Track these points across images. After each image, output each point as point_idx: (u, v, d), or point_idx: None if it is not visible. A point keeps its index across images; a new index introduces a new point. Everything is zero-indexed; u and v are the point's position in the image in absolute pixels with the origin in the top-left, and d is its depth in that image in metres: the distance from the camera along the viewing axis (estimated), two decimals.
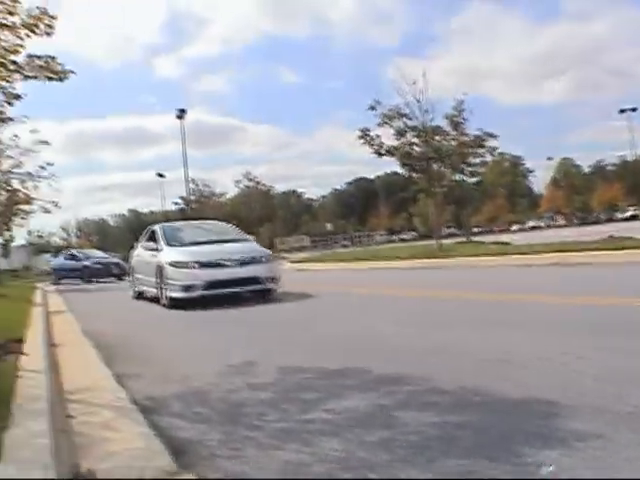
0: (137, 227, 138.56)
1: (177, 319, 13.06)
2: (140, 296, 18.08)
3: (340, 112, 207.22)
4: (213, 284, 14.24)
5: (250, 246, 16.27)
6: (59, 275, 41.73)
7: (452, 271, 20.91)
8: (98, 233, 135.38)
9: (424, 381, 5.25)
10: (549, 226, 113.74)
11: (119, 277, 37.90)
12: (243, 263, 14.71)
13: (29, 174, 31.56)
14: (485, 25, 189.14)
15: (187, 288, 14.22)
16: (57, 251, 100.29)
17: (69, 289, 31.44)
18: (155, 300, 15.67)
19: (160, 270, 15.15)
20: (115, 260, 41.86)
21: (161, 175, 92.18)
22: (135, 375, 6.49)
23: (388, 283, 18.24)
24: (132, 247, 19.55)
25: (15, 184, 32.01)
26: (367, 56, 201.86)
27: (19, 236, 74.96)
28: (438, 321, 9.03)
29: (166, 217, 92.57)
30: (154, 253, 16.12)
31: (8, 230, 39.15)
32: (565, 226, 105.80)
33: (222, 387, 5.65)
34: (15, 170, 31.21)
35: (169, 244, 15.91)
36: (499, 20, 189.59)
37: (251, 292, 14.86)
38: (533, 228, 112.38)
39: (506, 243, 35.62)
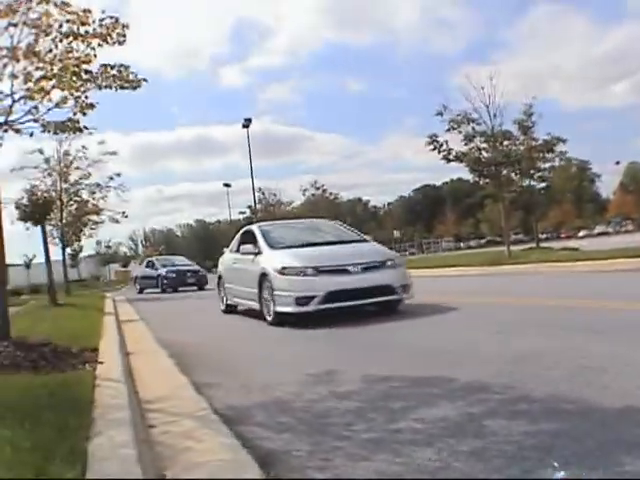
0: (204, 236, 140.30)
1: (273, 335, 11.29)
2: (232, 310, 15.75)
3: (405, 120, 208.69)
4: (335, 295, 11.44)
5: (373, 247, 13.38)
6: (141, 284, 40.46)
7: (526, 277, 20.51)
8: (165, 243, 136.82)
9: (512, 389, 5.10)
10: (617, 232, 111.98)
11: (198, 287, 35.52)
12: (369, 268, 11.86)
13: (97, 185, 32.09)
14: (550, 28, 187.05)
15: (301, 300, 11.43)
16: (126, 261, 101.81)
17: (139, 298, 31.57)
18: (253, 314, 13.55)
19: (263, 278, 12.48)
20: (192, 268, 38.66)
21: (227, 185, 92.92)
22: (214, 384, 6.39)
23: (480, 290, 17.75)
24: (222, 253, 17.79)
25: (84, 195, 32.52)
26: (432, 63, 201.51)
27: (88, 246, 76.15)
28: (523, 328, 8.74)
29: (233, 226, 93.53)
30: (253, 258, 13.37)
31: (78, 240, 39.62)
32: (634, 231, 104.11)
33: (305, 396, 5.52)
34: (84, 181, 31.74)
35: (272, 247, 13.11)
36: (564, 22, 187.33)
37: (380, 304, 12.13)
38: (600, 234, 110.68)
39: (575, 249, 35.12)
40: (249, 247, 13.71)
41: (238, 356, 9.04)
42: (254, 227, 14.89)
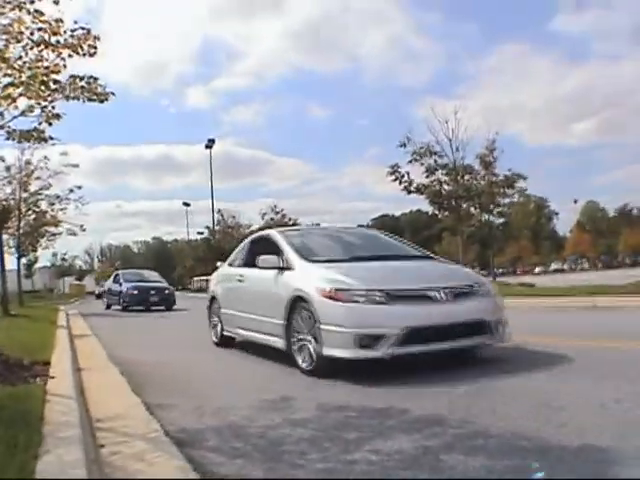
0: (161, 254, 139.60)
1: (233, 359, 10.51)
2: (228, 341, 11.90)
3: (368, 149, 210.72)
4: (418, 333, 7.59)
5: (449, 267, 9.92)
6: (108, 300, 36.42)
7: None
8: (121, 258, 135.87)
9: (468, 423, 5.06)
10: (572, 269, 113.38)
11: (165, 307, 31.65)
12: (459, 295, 8.15)
13: (57, 196, 31.82)
14: (516, 65, 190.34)
15: (366, 340, 7.51)
16: (81, 275, 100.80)
17: (94, 313, 30.59)
18: (266, 352, 9.92)
19: (297, 304, 8.57)
20: (158, 285, 33.78)
21: (187, 204, 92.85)
22: (166, 405, 6.30)
23: None
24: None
25: (43, 205, 32.22)
26: (397, 93, 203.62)
27: (43, 257, 75.41)
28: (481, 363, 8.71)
29: (190, 246, 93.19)
30: (276, 275, 9.38)
31: (34, 251, 39.27)
32: (589, 269, 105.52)
33: (259, 422, 5.44)
34: (44, 192, 31.44)
35: (308, 259, 9.21)
36: (530, 60, 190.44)
37: (470, 348, 8.59)
38: (556, 271, 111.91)
39: (531, 285, 35.41)
40: (271, 259, 9.62)
41: (192, 377, 8.77)
42: (274, 232, 11.05)
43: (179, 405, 6.36)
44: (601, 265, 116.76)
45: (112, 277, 38.03)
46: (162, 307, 31.66)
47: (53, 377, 7.17)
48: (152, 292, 32.26)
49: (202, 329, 13.49)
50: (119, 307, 32.86)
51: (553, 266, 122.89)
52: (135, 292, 32.22)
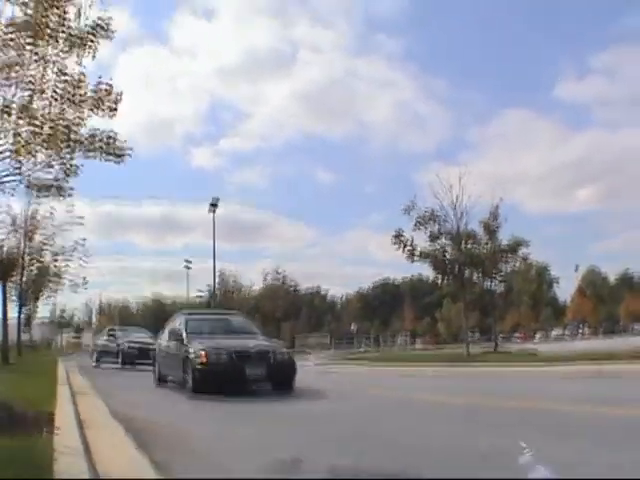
0: (159, 314, 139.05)
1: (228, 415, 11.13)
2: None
3: (371, 214, 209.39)
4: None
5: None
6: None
7: (488, 379, 20.36)
8: (119, 315, 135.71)
9: None
10: (573, 335, 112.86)
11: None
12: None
13: (61, 247, 31.74)
14: (518, 131, 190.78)
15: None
16: (79, 329, 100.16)
17: (90, 366, 30.46)
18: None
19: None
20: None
21: (188, 266, 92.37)
22: (174, 464, 6.21)
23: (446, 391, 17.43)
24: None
25: (47, 257, 32.15)
26: (402, 159, 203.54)
27: (43, 309, 75.19)
28: (495, 431, 8.52)
29: (190, 307, 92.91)
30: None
31: (36, 300, 39.17)
32: (590, 337, 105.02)
33: None
34: (49, 243, 31.37)
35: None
36: (532, 126, 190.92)
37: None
38: (557, 338, 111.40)
39: (533, 354, 35.26)
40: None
41: (197, 436, 8.55)
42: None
43: (186, 465, 6.27)
44: (602, 332, 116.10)
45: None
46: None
47: (58, 431, 7.12)
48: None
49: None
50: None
51: (554, 333, 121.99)
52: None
